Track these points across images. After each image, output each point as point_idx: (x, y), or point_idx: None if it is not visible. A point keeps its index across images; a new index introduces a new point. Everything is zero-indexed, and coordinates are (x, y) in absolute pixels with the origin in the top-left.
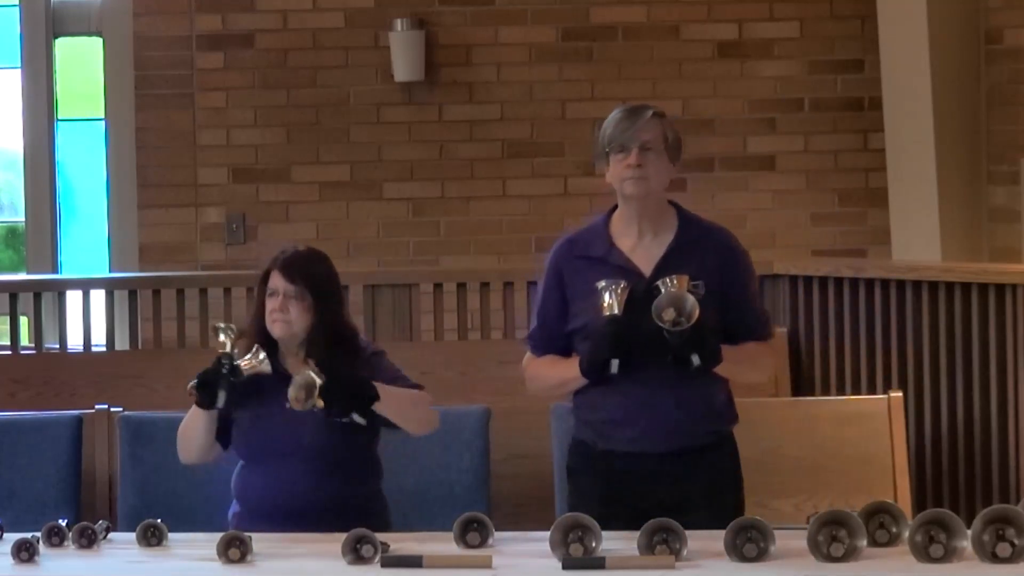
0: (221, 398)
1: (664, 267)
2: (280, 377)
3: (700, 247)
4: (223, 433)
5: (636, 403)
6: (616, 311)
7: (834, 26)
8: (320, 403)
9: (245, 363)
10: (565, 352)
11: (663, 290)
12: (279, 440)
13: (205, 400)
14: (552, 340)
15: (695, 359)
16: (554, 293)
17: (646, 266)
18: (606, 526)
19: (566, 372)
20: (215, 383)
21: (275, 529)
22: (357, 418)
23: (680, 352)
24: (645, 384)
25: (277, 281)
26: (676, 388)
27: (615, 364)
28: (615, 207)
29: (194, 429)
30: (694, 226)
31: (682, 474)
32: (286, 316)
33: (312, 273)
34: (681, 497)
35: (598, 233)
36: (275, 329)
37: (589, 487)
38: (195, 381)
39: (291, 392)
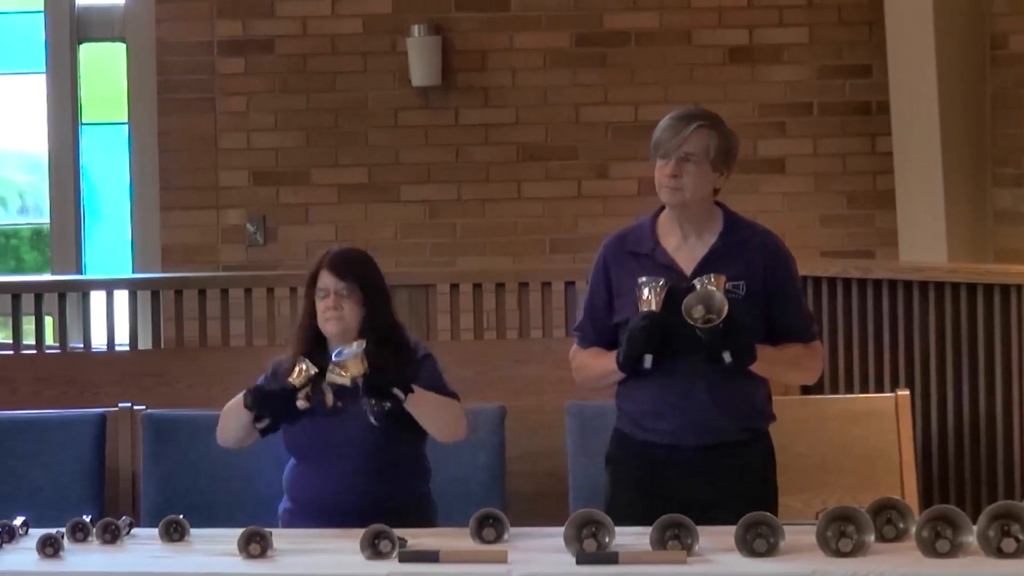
0: (265, 421)
1: (705, 267)
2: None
3: (744, 248)
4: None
5: (674, 397)
6: (653, 307)
7: (842, 32)
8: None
9: (301, 396)
10: (611, 344)
11: (697, 287)
12: (331, 440)
13: (255, 412)
14: (598, 332)
15: (726, 356)
16: (601, 287)
17: (688, 265)
18: (642, 515)
19: (606, 365)
20: (267, 407)
21: (324, 527)
22: (397, 392)
23: (712, 349)
24: (683, 379)
25: (327, 280)
26: (713, 384)
27: (648, 359)
28: (663, 206)
29: (237, 420)
30: (739, 228)
31: (718, 468)
32: (339, 313)
33: (361, 269)
34: (716, 491)
35: (645, 231)
36: (329, 327)
37: (627, 476)
38: (254, 391)
39: (340, 357)
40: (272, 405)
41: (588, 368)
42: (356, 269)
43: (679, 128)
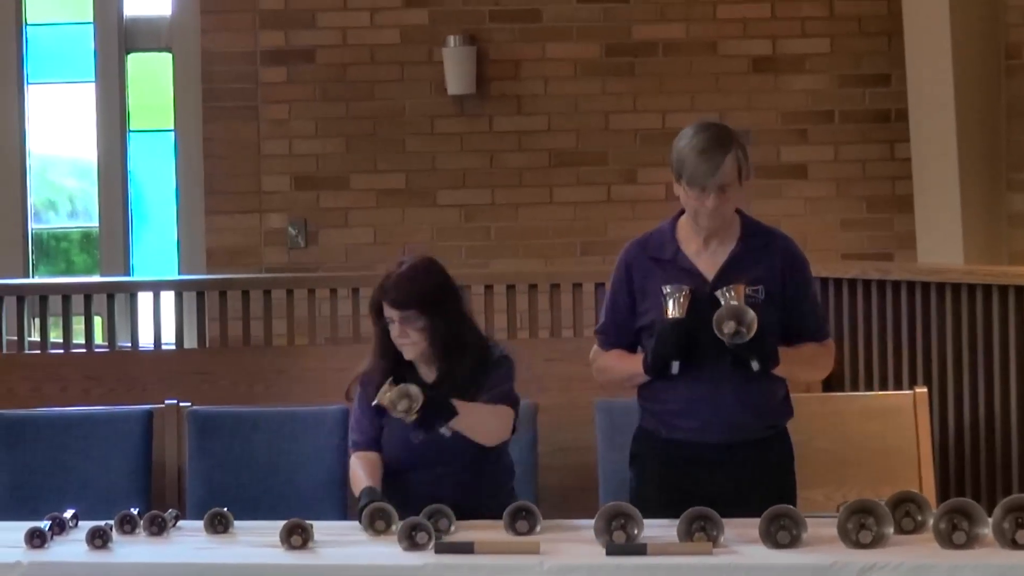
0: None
1: (726, 272)
2: (417, 385)
3: (762, 252)
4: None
5: (698, 397)
6: (679, 314)
7: (862, 42)
8: (414, 415)
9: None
10: (631, 346)
11: (722, 302)
12: (422, 450)
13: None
14: (620, 334)
15: (754, 364)
16: (623, 291)
17: (709, 271)
18: (665, 511)
19: (632, 367)
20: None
21: None
22: (444, 431)
23: (740, 357)
24: (707, 380)
25: (390, 311)
26: (736, 385)
27: (676, 365)
28: (682, 211)
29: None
30: (757, 232)
31: (740, 465)
32: (409, 340)
33: (417, 292)
34: (737, 487)
35: (666, 236)
36: (406, 353)
37: (651, 473)
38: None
39: (390, 397)
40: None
41: (612, 370)
42: (413, 294)
43: (712, 162)
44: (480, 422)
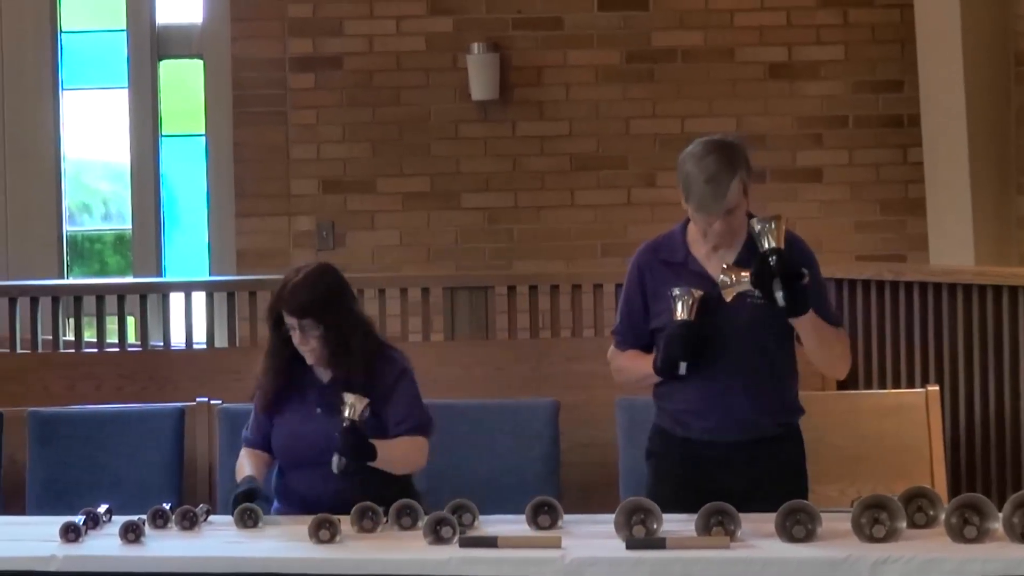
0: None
1: None
2: (313, 385)
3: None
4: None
5: (712, 396)
6: (687, 317)
7: (876, 49)
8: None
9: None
10: (647, 347)
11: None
12: (316, 444)
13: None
14: (635, 336)
15: (779, 297)
16: (637, 293)
17: (718, 273)
18: (680, 507)
19: (644, 368)
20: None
21: None
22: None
23: (767, 286)
24: (722, 380)
25: (289, 319)
26: (748, 385)
27: (683, 367)
28: None
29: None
30: None
31: (753, 462)
32: (309, 347)
33: (311, 300)
34: (750, 483)
35: (676, 240)
36: (307, 358)
37: (666, 470)
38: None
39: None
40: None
41: (627, 370)
42: (310, 303)
43: (719, 191)
44: (399, 458)
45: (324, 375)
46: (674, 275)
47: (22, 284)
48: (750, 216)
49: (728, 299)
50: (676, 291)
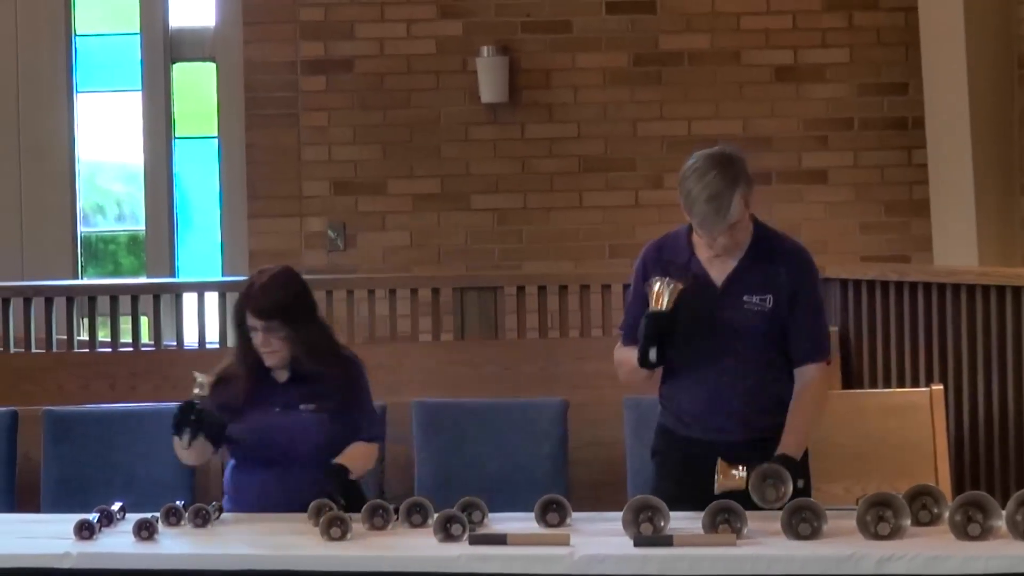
0: (186, 438)
1: (734, 279)
2: (270, 385)
3: (771, 260)
4: (218, 436)
5: (713, 396)
6: (663, 307)
7: (881, 52)
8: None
9: (207, 394)
10: None
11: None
12: (273, 443)
13: (180, 436)
14: (637, 332)
15: (799, 483)
16: (641, 291)
17: (719, 276)
18: (683, 505)
19: (632, 360)
20: (181, 427)
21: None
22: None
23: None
24: (721, 380)
25: (253, 321)
26: (749, 384)
27: (653, 352)
28: None
29: (178, 449)
30: (768, 241)
31: (754, 461)
32: (272, 348)
33: (279, 302)
34: None
35: (681, 242)
36: (267, 360)
37: (671, 468)
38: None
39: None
40: (181, 423)
41: (623, 363)
42: (275, 305)
43: (721, 210)
44: (359, 468)
45: (281, 375)
46: (677, 275)
47: (37, 284)
48: (756, 223)
49: (716, 492)
50: (655, 280)
